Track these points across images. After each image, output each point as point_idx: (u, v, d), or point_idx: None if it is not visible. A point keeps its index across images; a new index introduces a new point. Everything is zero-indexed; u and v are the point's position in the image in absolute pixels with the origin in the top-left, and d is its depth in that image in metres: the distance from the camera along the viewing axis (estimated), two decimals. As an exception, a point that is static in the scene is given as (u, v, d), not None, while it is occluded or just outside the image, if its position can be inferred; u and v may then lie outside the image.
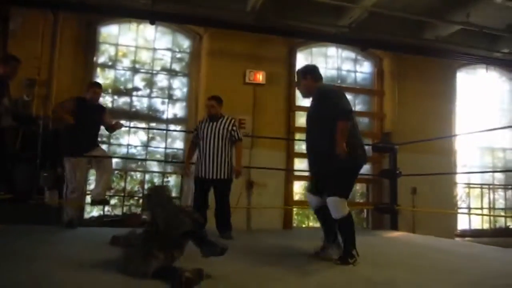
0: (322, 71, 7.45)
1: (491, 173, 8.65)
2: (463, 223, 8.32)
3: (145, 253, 2.61)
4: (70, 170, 5.06)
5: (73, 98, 5.23)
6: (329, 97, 3.67)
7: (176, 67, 7.28)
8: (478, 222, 8.57)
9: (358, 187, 7.98)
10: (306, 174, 7.47)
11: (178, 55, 7.33)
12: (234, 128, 5.04)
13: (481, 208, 8.53)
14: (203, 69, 7.06)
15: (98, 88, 5.32)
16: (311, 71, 3.95)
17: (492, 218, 8.60)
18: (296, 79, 4.08)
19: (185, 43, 7.36)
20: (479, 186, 8.55)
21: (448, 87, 8.18)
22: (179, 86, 7.29)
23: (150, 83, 7.13)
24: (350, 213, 3.56)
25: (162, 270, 2.52)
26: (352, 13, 6.73)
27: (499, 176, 8.81)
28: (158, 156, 7.17)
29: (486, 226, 8.58)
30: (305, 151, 7.33)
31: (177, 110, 7.22)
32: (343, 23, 6.96)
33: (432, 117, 7.80)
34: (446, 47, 7.55)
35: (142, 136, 7.12)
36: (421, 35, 7.44)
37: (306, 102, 7.55)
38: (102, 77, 6.92)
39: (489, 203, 8.60)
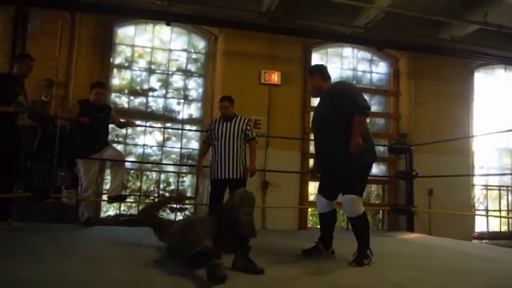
0: (338, 72, 7.70)
1: (509, 175, 8.50)
2: (480, 225, 8.19)
3: (198, 235, 2.74)
4: (82, 170, 5.26)
5: (76, 102, 5.42)
6: (346, 91, 3.64)
7: (192, 67, 7.32)
8: (496, 225, 8.43)
9: (374, 188, 7.92)
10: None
11: (194, 56, 7.37)
12: (248, 127, 5.10)
13: (499, 210, 8.39)
14: (218, 70, 7.09)
15: (99, 88, 5.43)
16: (319, 70, 3.90)
17: (510, 220, 8.45)
18: (308, 80, 4.04)
19: (201, 44, 7.40)
20: (497, 188, 8.41)
21: (465, 88, 8.07)
22: (195, 87, 7.32)
23: (165, 84, 7.17)
24: (365, 212, 3.55)
25: (203, 257, 2.58)
26: (368, 13, 6.68)
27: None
28: (173, 156, 7.21)
29: (504, 228, 8.44)
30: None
31: (193, 110, 7.25)
32: (359, 23, 6.92)
33: (449, 118, 7.71)
34: (463, 47, 7.45)
35: (158, 136, 7.17)
36: (437, 35, 7.36)
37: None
38: (119, 78, 7.00)
39: (508, 205, 8.46)
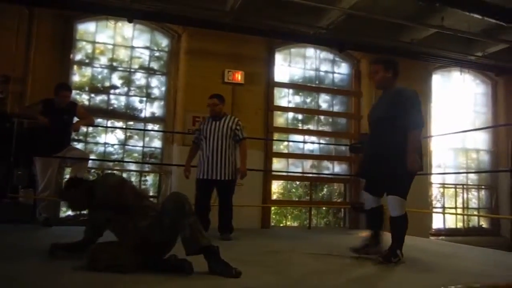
0: (301, 72, 7.76)
1: (465, 174, 8.83)
2: (438, 222, 8.48)
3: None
4: (40, 169, 5.08)
5: (40, 101, 5.17)
6: (406, 103, 3.56)
7: (154, 65, 7.24)
8: (452, 221, 8.74)
9: (336, 187, 8.06)
10: (284, 173, 7.60)
11: (157, 54, 7.29)
12: (238, 127, 4.91)
13: (455, 208, 8.71)
14: (182, 68, 7.04)
15: (65, 92, 5.17)
16: (395, 66, 3.80)
17: (465, 217, 8.78)
18: (373, 68, 3.84)
19: (164, 41, 7.32)
20: (453, 186, 8.73)
21: (424, 89, 8.30)
22: (157, 85, 7.24)
23: (128, 81, 7.07)
24: (406, 214, 3.61)
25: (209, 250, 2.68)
26: (330, 15, 6.79)
27: (473, 177, 9.00)
28: (135, 154, 7.12)
29: (460, 225, 8.76)
30: (283, 151, 7.53)
31: (155, 109, 7.18)
32: (322, 24, 7.02)
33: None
34: (422, 50, 7.69)
35: (120, 134, 7.05)
36: (398, 38, 7.55)
37: (284, 102, 7.69)
38: (79, 75, 6.85)
39: (463, 202, 8.79)
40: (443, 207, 8.67)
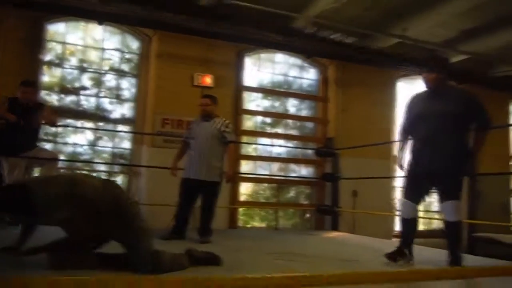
0: (270, 76, 7.94)
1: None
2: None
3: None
4: (7, 170, 5.02)
5: (7, 98, 5.07)
6: (481, 104, 3.60)
7: (125, 67, 7.31)
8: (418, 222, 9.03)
9: (302, 189, 8.26)
10: (252, 176, 7.75)
11: (127, 56, 7.36)
12: (228, 129, 4.88)
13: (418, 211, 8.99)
14: (152, 71, 7.12)
15: (25, 87, 5.04)
16: (447, 67, 3.82)
17: (427, 220, 9.10)
18: (430, 67, 3.71)
19: (134, 44, 7.40)
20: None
21: (389, 96, 8.61)
22: (128, 87, 7.31)
23: (98, 83, 7.11)
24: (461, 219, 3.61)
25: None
26: (298, 23, 6.99)
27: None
28: (105, 155, 7.17)
29: (422, 227, 9.07)
30: (251, 154, 7.68)
31: (125, 110, 7.24)
32: (290, 31, 7.21)
33: (373, 124, 8.18)
34: (386, 58, 7.96)
35: (89, 135, 7.09)
36: (363, 46, 7.81)
37: (253, 106, 7.84)
38: (49, 75, 6.86)
39: (425, 206, 9.10)
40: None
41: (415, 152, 3.74)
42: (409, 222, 3.71)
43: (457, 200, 3.49)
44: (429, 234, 8.88)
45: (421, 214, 8.74)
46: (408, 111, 3.89)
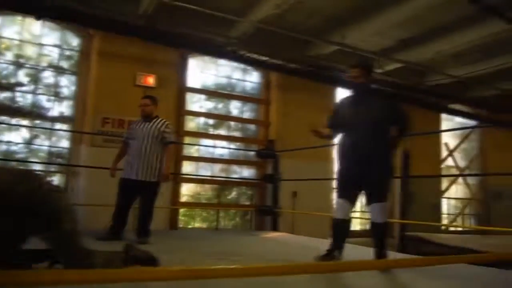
0: (213, 78, 8.01)
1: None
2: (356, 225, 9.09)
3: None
4: None
5: None
6: (396, 106, 3.76)
7: (64, 64, 7.13)
8: (352, 224, 9.38)
9: (244, 190, 8.39)
10: (194, 177, 7.79)
11: (67, 53, 7.19)
12: (168, 129, 4.89)
13: (354, 212, 9.37)
14: (93, 69, 7.00)
15: None
16: (373, 74, 3.93)
17: (363, 220, 9.48)
18: (354, 72, 3.74)
19: (75, 41, 7.23)
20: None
21: (329, 101, 8.87)
22: (67, 84, 7.14)
23: (35, 79, 6.90)
24: None
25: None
26: (241, 27, 7.12)
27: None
28: (41, 154, 6.96)
29: (358, 227, 9.45)
30: (193, 155, 7.71)
31: (64, 108, 7.07)
32: (233, 35, 7.33)
33: (313, 127, 8.39)
34: (327, 64, 8.25)
35: (25, 133, 6.86)
36: (305, 52, 8.06)
37: (196, 107, 7.88)
38: (-19, 70, 6.59)
39: (361, 206, 9.48)
40: (343, 211, 9.30)
41: (344, 156, 3.79)
42: (340, 223, 3.70)
43: (384, 202, 3.58)
44: (365, 233, 9.29)
45: (357, 214, 9.19)
46: (334, 114, 3.96)
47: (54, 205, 2.49)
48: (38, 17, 6.41)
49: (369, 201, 3.63)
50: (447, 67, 8.99)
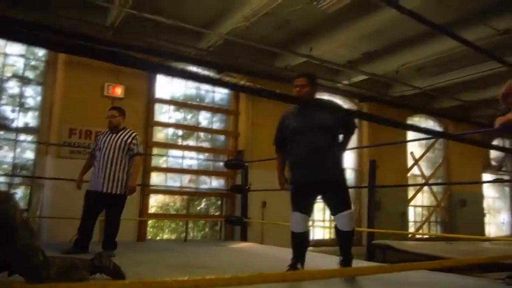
0: (182, 89, 8.02)
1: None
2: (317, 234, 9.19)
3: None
4: None
5: None
6: (343, 112, 3.90)
7: (30, 74, 7.02)
8: (321, 233, 9.53)
9: (213, 201, 8.40)
10: (163, 188, 7.76)
11: (32, 63, 7.08)
12: (134, 141, 4.82)
13: (323, 221, 9.51)
14: (59, 79, 6.91)
15: None
16: (317, 80, 3.89)
17: (332, 229, 9.62)
18: (299, 82, 3.70)
19: (41, 51, 7.13)
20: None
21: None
22: (33, 95, 7.03)
23: (-1, 90, 6.77)
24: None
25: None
26: (210, 38, 7.18)
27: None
28: (5, 166, 6.81)
29: (327, 236, 9.57)
30: (162, 166, 7.67)
31: (29, 119, 6.95)
32: (202, 46, 7.38)
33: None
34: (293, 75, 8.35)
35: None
36: (273, 63, 8.18)
37: (164, 118, 7.86)
38: None
39: (330, 215, 9.60)
40: (312, 220, 9.41)
41: (296, 167, 3.70)
42: (301, 236, 3.62)
43: (350, 210, 3.54)
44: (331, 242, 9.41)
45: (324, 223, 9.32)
46: (282, 127, 3.88)
47: (7, 219, 2.47)
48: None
49: (335, 211, 3.55)
50: (411, 79, 9.28)
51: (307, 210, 3.63)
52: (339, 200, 3.56)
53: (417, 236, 11.27)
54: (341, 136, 3.76)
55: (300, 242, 3.66)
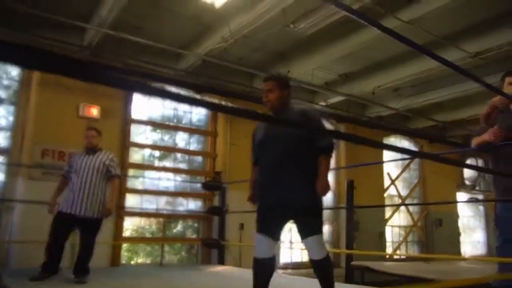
0: (160, 110, 7.94)
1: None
2: (286, 256, 9.08)
3: None
4: None
5: None
6: (315, 120, 3.34)
7: (2, 94, 6.84)
8: (299, 256, 9.44)
9: (190, 223, 8.26)
10: (137, 210, 7.57)
11: (5, 82, 6.91)
12: (112, 163, 4.75)
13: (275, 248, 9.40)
14: (33, 99, 6.73)
15: None
16: (289, 84, 3.37)
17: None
18: (266, 86, 3.31)
19: (14, 70, 6.98)
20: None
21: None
22: (4, 115, 6.84)
23: (-31, 110, 6.58)
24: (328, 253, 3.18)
25: None
26: (188, 59, 7.17)
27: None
28: (-27, 188, 6.57)
29: (306, 259, 9.49)
30: (137, 187, 7.52)
31: (0, 139, 6.75)
32: (181, 67, 7.35)
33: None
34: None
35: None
36: (252, 84, 8.20)
37: (141, 139, 7.74)
38: None
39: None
40: (291, 242, 9.34)
41: (261, 183, 3.29)
42: (262, 263, 3.19)
43: (319, 235, 3.11)
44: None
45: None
46: (253, 140, 3.49)
47: None
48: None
49: (301, 236, 3.14)
50: (388, 100, 9.42)
51: (273, 233, 3.19)
52: (306, 224, 3.13)
53: (395, 256, 11.31)
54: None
55: (261, 270, 3.21)
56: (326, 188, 3.10)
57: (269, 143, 3.24)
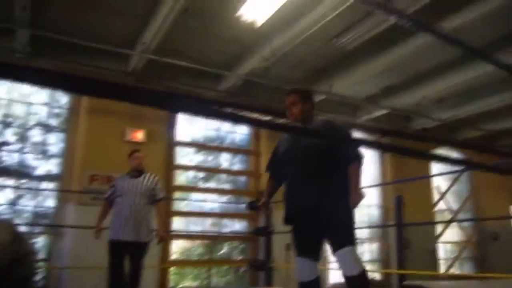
0: (203, 132, 7.98)
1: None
2: (335, 276, 8.81)
3: None
4: None
5: None
6: (340, 130, 3.23)
7: (53, 122, 7.07)
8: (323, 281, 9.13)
9: (236, 245, 8.18)
10: (184, 233, 7.55)
11: (56, 110, 7.14)
12: (158, 186, 4.73)
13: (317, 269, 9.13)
14: (82, 126, 6.94)
15: None
16: (312, 96, 3.40)
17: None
18: (290, 100, 3.26)
19: (64, 98, 7.21)
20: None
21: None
22: (55, 142, 7.05)
23: (22, 138, 6.81)
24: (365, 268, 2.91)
25: None
26: (229, 80, 7.19)
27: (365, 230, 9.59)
28: (26, 215, 6.76)
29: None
30: (183, 209, 7.54)
31: (51, 166, 6.94)
32: (222, 88, 7.39)
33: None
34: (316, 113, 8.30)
35: (10, 193, 6.68)
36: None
37: (185, 161, 7.78)
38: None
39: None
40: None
41: (285, 196, 3.21)
42: (310, 285, 3.03)
43: (351, 246, 2.85)
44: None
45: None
46: (275, 151, 3.42)
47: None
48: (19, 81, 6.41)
49: (333, 249, 2.90)
50: (432, 111, 9.12)
51: (311, 253, 3.03)
52: (336, 235, 2.91)
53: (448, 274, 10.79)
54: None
55: None
56: (359, 197, 2.94)
57: (295, 154, 3.16)
